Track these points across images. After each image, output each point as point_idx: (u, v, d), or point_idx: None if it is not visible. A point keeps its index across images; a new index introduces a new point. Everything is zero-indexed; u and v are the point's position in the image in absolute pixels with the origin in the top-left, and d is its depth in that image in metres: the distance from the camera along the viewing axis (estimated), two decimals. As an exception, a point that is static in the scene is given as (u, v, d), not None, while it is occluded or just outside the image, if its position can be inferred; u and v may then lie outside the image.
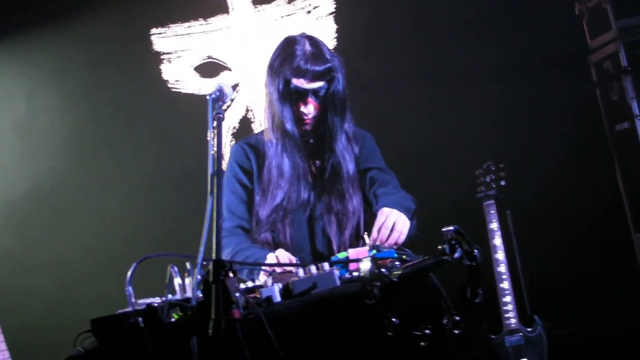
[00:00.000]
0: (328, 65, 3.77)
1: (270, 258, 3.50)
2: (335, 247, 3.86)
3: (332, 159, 3.90)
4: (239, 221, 3.95)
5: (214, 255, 2.47)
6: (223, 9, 6.39)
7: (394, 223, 3.47)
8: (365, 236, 3.46)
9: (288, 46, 3.84)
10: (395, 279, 2.63)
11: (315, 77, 3.75)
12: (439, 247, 2.66)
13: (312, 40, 3.86)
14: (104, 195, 6.44)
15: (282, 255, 3.52)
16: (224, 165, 5.68)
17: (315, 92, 3.77)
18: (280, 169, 3.85)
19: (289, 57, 3.78)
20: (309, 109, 3.78)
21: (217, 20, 6.40)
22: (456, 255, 2.62)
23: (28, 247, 6.50)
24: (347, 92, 3.90)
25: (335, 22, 6.31)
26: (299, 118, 3.82)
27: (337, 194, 3.89)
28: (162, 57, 6.41)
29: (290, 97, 3.78)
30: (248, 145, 4.02)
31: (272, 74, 3.83)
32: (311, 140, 3.93)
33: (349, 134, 3.96)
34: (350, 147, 3.94)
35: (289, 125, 3.81)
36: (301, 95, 3.77)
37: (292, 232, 3.87)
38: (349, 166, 3.91)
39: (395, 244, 3.44)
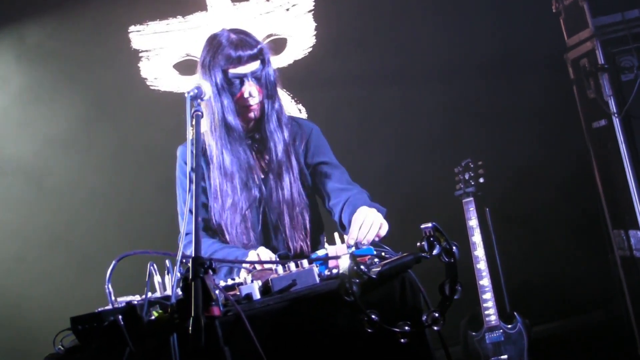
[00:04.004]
0: (259, 46, 3.80)
1: (252, 256, 3.49)
2: (288, 237, 3.89)
3: (264, 144, 3.91)
4: (201, 223, 3.92)
5: (193, 252, 2.47)
6: (201, 6, 6.38)
7: (375, 221, 3.47)
8: (336, 236, 3.43)
9: (213, 41, 3.85)
10: (374, 276, 2.63)
11: (249, 59, 3.76)
12: (418, 244, 2.67)
13: (235, 30, 3.89)
14: (82, 192, 6.41)
15: (264, 253, 3.52)
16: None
17: (254, 75, 3.78)
18: (224, 169, 3.83)
19: (217, 49, 3.78)
20: (253, 92, 3.78)
21: (195, 18, 6.38)
22: (435, 252, 2.64)
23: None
24: (277, 77, 3.91)
25: (314, 20, 6.31)
26: (242, 107, 3.81)
27: (277, 181, 3.90)
28: (140, 54, 6.39)
29: (231, 87, 3.78)
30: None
31: (205, 71, 3.81)
32: (257, 134, 3.93)
33: (281, 116, 3.94)
34: (281, 129, 3.91)
35: (230, 118, 3.79)
36: (242, 81, 3.77)
37: (248, 230, 3.86)
38: (278, 148, 3.89)
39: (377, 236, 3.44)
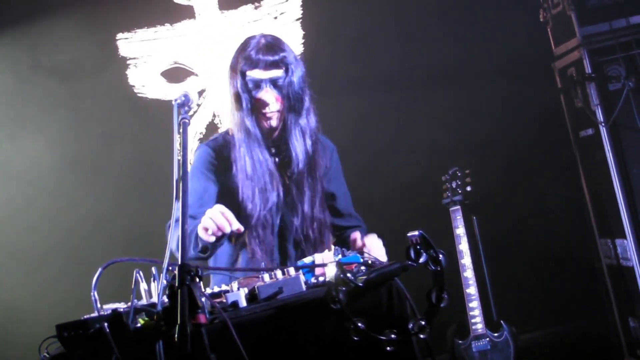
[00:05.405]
0: (282, 54, 3.75)
1: (209, 214, 3.37)
2: (305, 250, 3.87)
3: (287, 154, 3.86)
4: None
5: (179, 259, 2.46)
6: (189, 14, 6.37)
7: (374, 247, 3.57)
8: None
9: (244, 43, 3.83)
10: (360, 284, 2.63)
11: (269, 66, 3.72)
12: (405, 252, 2.67)
13: (268, 35, 3.86)
14: (69, 200, 6.39)
15: (217, 210, 3.39)
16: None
17: (273, 82, 3.74)
18: (245, 171, 3.78)
19: (242, 51, 3.78)
20: (270, 99, 3.73)
21: (183, 26, 6.38)
22: (421, 260, 2.64)
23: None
24: (304, 88, 3.86)
25: (302, 28, 6.32)
26: (259, 113, 3.77)
27: (298, 193, 3.87)
28: (128, 62, 6.38)
29: (249, 91, 3.74)
30: (213, 150, 3.93)
31: (230, 73, 3.82)
32: (281, 145, 3.88)
33: (306, 129, 3.88)
34: (304, 143, 3.86)
35: (248, 122, 3.76)
36: (257, 85, 3.73)
37: (266, 236, 3.82)
38: (299, 159, 3.85)
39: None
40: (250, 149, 3.79)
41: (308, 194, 3.88)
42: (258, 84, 3.74)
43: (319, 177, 3.94)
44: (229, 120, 3.92)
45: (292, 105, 3.80)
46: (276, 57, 3.73)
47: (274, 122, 3.81)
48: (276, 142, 3.89)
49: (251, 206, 3.79)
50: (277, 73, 3.74)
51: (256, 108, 3.77)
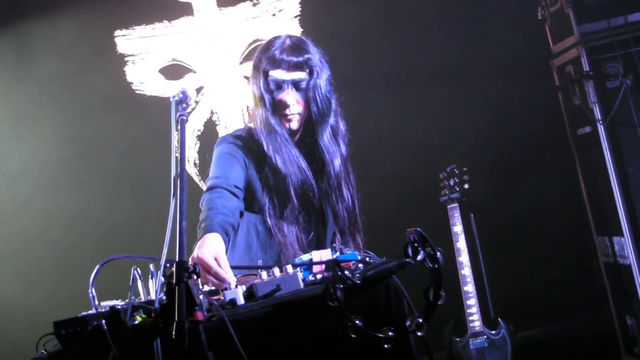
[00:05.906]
0: (307, 56, 3.67)
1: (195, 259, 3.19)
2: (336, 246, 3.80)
3: (319, 156, 3.77)
4: (228, 186, 3.61)
5: (176, 257, 2.46)
6: (188, 11, 6.37)
7: None
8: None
9: (268, 43, 3.74)
10: (358, 281, 2.63)
11: (292, 67, 3.64)
12: (402, 249, 2.67)
13: (294, 36, 3.78)
14: (66, 197, 6.39)
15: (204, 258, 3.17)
16: (192, 165, 5.68)
17: (296, 84, 3.66)
18: (277, 169, 3.67)
19: (266, 50, 3.69)
20: (291, 101, 3.64)
21: (181, 23, 6.37)
22: (419, 257, 2.63)
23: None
24: (331, 91, 3.79)
25: (300, 25, 6.31)
26: (281, 114, 3.69)
27: (329, 192, 3.79)
28: (126, 59, 6.38)
29: (270, 91, 3.66)
30: (240, 141, 3.79)
31: (253, 72, 3.73)
32: (303, 148, 3.78)
33: (338, 130, 3.82)
34: (337, 144, 3.80)
35: (273, 121, 3.67)
36: (279, 86, 3.65)
37: (301, 234, 3.75)
38: (335, 162, 3.77)
39: None
40: (280, 147, 3.68)
41: (346, 194, 3.82)
42: (280, 85, 3.66)
43: (352, 181, 3.90)
44: (252, 117, 3.81)
45: (320, 108, 3.72)
46: (300, 59, 3.66)
47: (294, 125, 3.73)
48: (299, 144, 3.78)
49: (286, 202, 3.72)
50: (301, 75, 3.67)
51: (277, 109, 3.69)
